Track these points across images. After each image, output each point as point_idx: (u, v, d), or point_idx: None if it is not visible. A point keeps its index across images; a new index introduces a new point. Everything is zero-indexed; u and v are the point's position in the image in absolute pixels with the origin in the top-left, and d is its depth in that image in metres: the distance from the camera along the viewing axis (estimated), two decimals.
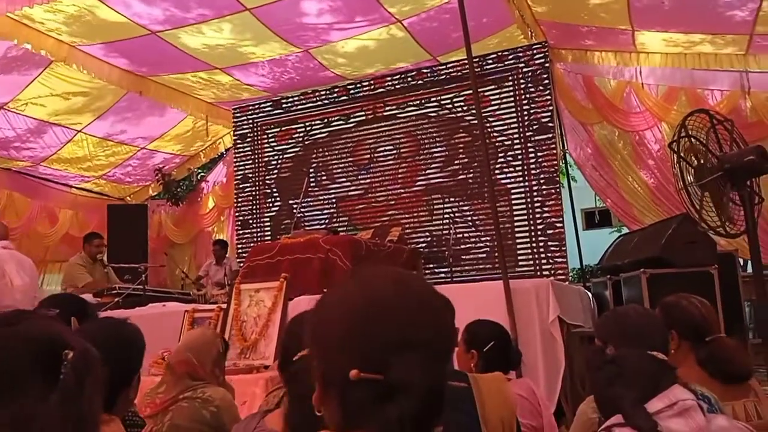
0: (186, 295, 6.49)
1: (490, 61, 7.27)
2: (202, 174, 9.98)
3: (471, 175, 7.32)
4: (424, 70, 7.61)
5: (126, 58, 6.92)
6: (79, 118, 7.76)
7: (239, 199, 8.64)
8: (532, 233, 6.90)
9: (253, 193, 8.55)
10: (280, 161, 8.43)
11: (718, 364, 2.05)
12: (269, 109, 8.51)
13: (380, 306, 0.82)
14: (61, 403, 0.79)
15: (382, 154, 7.81)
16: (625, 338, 1.77)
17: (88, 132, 8.09)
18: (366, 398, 0.78)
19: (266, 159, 8.51)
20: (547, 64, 7.05)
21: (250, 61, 7.15)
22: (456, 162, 7.42)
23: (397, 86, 7.76)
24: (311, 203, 8.03)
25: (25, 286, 3.41)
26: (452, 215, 7.27)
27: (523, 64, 7.16)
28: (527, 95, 7.11)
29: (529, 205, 6.95)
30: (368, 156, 7.88)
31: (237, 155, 8.72)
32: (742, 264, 5.49)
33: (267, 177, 8.49)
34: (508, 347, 2.53)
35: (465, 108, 7.42)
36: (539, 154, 6.97)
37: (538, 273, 6.71)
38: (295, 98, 8.32)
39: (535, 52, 7.10)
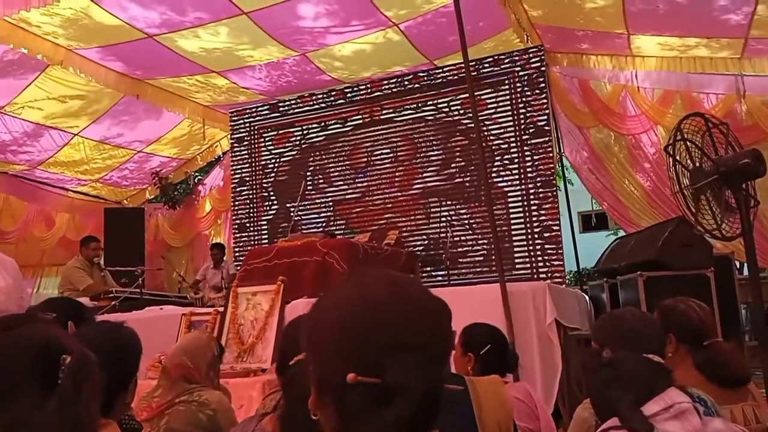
0: (183, 299, 6.49)
1: (487, 65, 7.29)
2: (199, 177, 9.97)
3: (468, 179, 7.33)
4: (421, 74, 7.62)
5: (122, 62, 6.91)
6: (75, 121, 7.75)
7: (236, 203, 8.63)
8: (529, 236, 6.91)
9: (250, 196, 8.54)
10: (277, 164, 8.43)
11: (715, 368, 2.05)
12: (266, 112, 8.52)
13: (376, 309, 0.82)
14: (59, 408, 0.79)
15: (379, 157, 7.82)
16: (621, 341, 1.77)
17: (84, 135, 8.08)
18: (362, 402, 0.78)
19: (263, 162, 8.51)
20: (543, 68, 7.07)
21: (247, 65, 7.15)
22: (453, 165, 7.43)
23: (394, 90, 7.77)
24: (308, 206, 8.03)
25: (8, 288, 3.36)
26: (449, 218, 7.28)
27: (519, 68, 7.18)
28: (523, 99, 7.13)
29: (526, 208, 6.96)
30: (365, 159, 7.88)
31: (234, 158, 8.72)
32: (738, 267, 5.51)
33: (264, 180, 8.48)
34: (505, 350, 2.53)
35: (462, 111, 7.44)
36: (536, 157, 6.98)
37: (535, 276, 6.71)
38: (292, 101, 8.32)
39: (531, 55, 7.12)
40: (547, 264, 6.80)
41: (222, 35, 6.38)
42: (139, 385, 1.74)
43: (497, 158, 7.14)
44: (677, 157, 3.90)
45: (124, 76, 7.18)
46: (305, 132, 8.28)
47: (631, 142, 6.97)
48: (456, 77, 7.39)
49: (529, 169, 7.00)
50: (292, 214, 7.48)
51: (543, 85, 7.07)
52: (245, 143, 8.65)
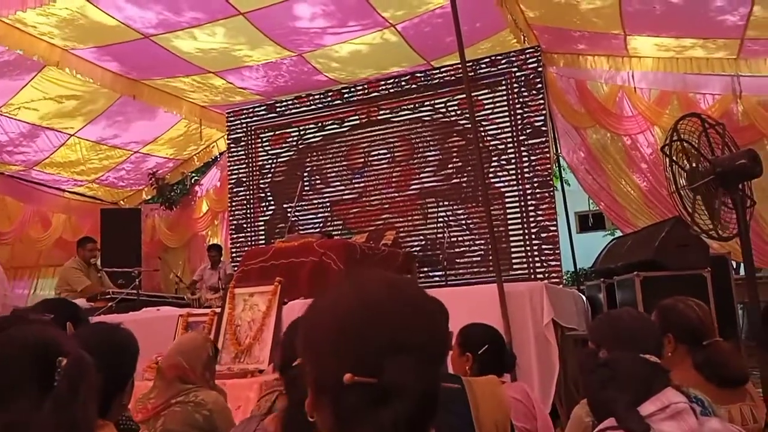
0: (180, 300, 6.47)
1: (484, 66, 7.30)
2: (196, 178, 9.96)
3: (465, 179, 7.33)
4: (418, 75, 7.63)
5: (119, 62, 6.90)
6: (71, 122, 7.74)
7: (233, 203, 8.62)
8: (526, 236, 6.92)
9: (247, 197, 8.53)
10: (274, 165, 8.42)
11: (714, 368, 2.05)
12: (263, 112, 8.51)
13: (373, 309, 0.82)
14: (55, 410, 0.78)
15: (376, 157, 7.82)
16: (618, 341, 1.77)
17: (80, 136, 8.06)
18: (359, 403, 0.77)
19: (260, 163, 8.50)
20: (540, 69, 7.08)
21: (243, 65, 7.14)
22: (450, 166, 7.44)
23: (391, 90, 7.78)
24: (305, 207, 8.03)
25: None
26: (446, 219, 7.28)
27: (516, 69, 7.19)
28: (520, 99, 7.14)
29: (523, 209, 6.97)
30: (362, 160, 7.88)
31: (231, 159, 8.71)
32: (735, 267, 5.53)
33: (261, 181, 8.48)
34: (502, 350, 2.54)
35: (459, 112, 7.44)
36: (533, 157, 6.99)
37: (532, 276, 6.72)
38: (289, 102, 8.32)
39: (528, 56, 7.13)
40: (545, 264, 6.80)
41: (218, 35, 6.38)
42: (136, 387, 1.73)
43: (494, 159, 7.15)
44: (674, 158, 3.91)
45: (120, 76, 7.17)
46: (302, 132, 8.28)
47: (627, 143, 6.98)
48: (453, 78, 7.40)
49: (526, 170, 7.01)
50: (289, 214, 7.47)
51: (540, 85, 7.08)
52: (242, 144, 8.64)
